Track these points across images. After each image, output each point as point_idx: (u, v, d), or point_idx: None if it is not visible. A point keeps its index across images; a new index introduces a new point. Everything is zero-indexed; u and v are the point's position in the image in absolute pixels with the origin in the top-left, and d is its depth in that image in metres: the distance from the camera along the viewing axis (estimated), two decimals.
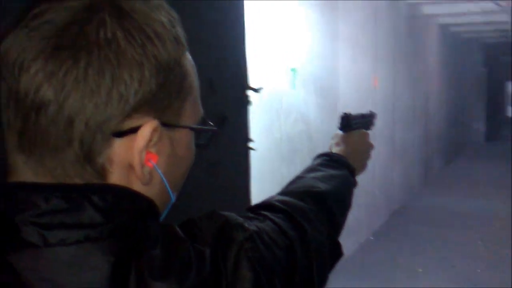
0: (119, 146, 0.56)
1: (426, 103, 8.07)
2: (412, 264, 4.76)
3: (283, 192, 0.91)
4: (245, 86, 2.32)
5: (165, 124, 0.58)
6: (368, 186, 5.29)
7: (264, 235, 0.67)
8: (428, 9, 7.30)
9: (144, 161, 0.57)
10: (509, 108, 12.41)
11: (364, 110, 1.27)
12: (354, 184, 1.06)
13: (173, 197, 0.64)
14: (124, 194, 0.57)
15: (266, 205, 0.81)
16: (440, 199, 7.35)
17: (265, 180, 3.10)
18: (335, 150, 1.14)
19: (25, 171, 0.56)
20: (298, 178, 0.98)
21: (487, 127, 13.49)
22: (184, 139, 0.63)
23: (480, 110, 13.14)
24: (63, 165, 0.54)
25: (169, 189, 0.62)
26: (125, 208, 0.56)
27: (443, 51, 9.11)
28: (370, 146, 1.18)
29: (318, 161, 1.06)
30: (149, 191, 0.59)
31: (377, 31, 5.52)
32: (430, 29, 8.08)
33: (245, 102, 2.38)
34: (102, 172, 0.55)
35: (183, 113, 0.61)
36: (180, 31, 0.60)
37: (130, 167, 0.57)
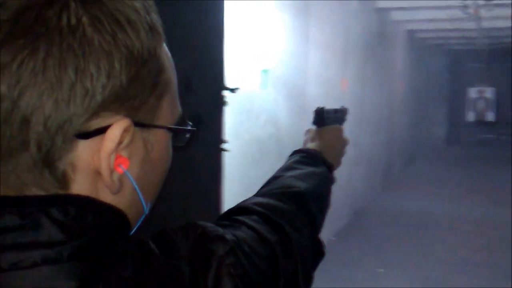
0: (83, 149, 0.48)
1: (391, 107, 8.23)
2: (374, 264, 4.86)
3: (259, 194, 0.87)
4: (221, 86, 2.32)
5: (138, 124, 0.51)
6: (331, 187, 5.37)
7: (244, 245, 0.61)
8: (397, 15, 7.44)
9: (114, 166, 0.50)
10: (469, 113, 12.76)
11: (336, 105, 1.25)
12: (332, 181, 1.03)
13: (146, 208, 0.57)
14: (89, 205, 0.49)
15: (241, 209, 0.75)
16: (402, 201, 7.52)
17: (233, 182, 3.11)
18: (310, 145, 1.10)
19: None
20: (275, 178, 0.93)
21: (448, 131, 13.85)
22: (160, 140, 0.56)
23: (441, 114, 13.47)
24: (18, 172, 0.48)
25: (142, 198, 0.55)
26: (90, 223, 0.49)
27: (409, 57, 9.30)
28: (345, 142, 1.15)
29: (295, 158, 1.02)
30: (119, 201, 0.52)
31: (348, 35, 5.60)
32: (398, 35, 8.24)
33: (221, 102, 2.38)
34: (63, 179, 0.49)
35: (159, 111, 0.54)
36: (156, 18, 0.54)
37: (97, 173, 0.50)
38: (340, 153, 1.14)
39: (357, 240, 5.64)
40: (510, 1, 5.87)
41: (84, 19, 0.47)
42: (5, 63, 0.45)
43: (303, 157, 1.02)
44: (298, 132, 4.43)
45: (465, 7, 6.38)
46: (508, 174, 8.95)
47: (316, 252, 0.82)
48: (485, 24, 7.40)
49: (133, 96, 0.50)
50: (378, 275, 4.63)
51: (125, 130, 0.50)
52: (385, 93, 7.66)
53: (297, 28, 4.33)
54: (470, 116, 12.71)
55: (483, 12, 6.46)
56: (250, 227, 0.67)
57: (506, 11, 6.58)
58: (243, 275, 0.57)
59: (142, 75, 0.50)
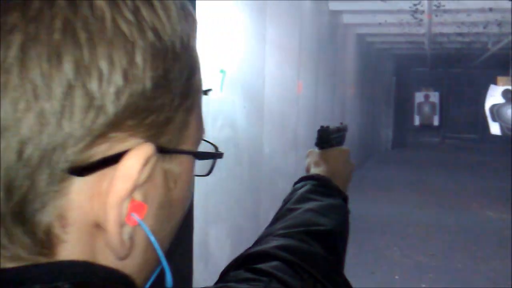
0: (79, 191, 0.31)
1: (343, 110, 8.26)
2: None
3: (275, 232, 0.72)
4: None
5: (162, 150, 0.34)
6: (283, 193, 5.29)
7: None
8: (348, 19, 7.47)
9: (125, 217, 0.33)
10: (415, 116, 13.09)
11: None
12: (348, 212, 0.88)
13: (164, 267, 0.38)
14: (90, 277, 0.32)
15: (261, 255, 0.61)
16: (353, 204, 7.51)
17: None
18: (316, 170, 0.94)
19: None
20: (289, 210, 0.78)
21: (395, 134, 14.13)
22: (185, 172, 0.39)
23: (388, 117, 13.74)
24: None
25: (164, 261, 0.37)
26: None
27: (358, 60, 9.39)
28: (352, 166, 1.00)
29: (307, 187, 0.86)
30: (125, 264, 0.35)
31: (302, 37, 5.53)
32: (349, 38, 8.29)
33: None
34: (47, 240, 0.31)
35: (187, 131, 0.37)
36: None
37: (96, 227, 0.32)
38: (348, 179, 0.98)
39: None
40: (459, 7, 5.99)
41: None
42: None
43: (315, 185, 0.86)
44: (256, 136, 4.30)
45: (415, 12, 6.47)
46: (456, 177, 9.19)
47: None
48: (432, 29, 7.54)
49: (158, 109, 0.33)
50: None
51: (147, 161, 0.33)
52: (337, 96, 7.67)
53: (255, 28, 4.20)
54: (416, 120, 13.04)
55: (433, 17, 6.57)
56: (280, 280, 0.54)
57: (454, 17, 6.72)
58: None
59: (172, 77, 0.34)
